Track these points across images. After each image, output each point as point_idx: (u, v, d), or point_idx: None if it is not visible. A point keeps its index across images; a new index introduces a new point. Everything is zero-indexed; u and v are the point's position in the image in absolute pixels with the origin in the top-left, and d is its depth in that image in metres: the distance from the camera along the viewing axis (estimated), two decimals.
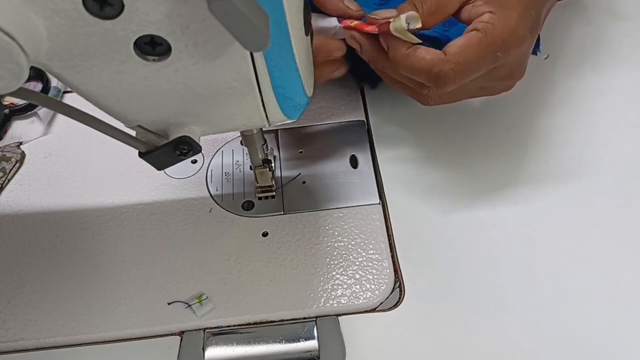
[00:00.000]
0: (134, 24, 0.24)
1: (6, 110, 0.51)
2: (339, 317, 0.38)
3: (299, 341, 0.37)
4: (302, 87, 0.32)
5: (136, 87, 0.28)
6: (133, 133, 0.31)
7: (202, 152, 0.47)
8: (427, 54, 0.36)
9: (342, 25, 0.39)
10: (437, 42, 0.38)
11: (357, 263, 0.41)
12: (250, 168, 0.44)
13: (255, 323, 0.39)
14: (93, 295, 0.40)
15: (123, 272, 0.41)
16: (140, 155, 0.32)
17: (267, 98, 0.31)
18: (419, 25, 0.36)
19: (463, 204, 0.44)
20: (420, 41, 0.37)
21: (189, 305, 0.39)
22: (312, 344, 0.37)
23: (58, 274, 0.41)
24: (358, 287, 0.40)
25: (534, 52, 0.44)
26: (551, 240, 0.41)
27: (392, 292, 0.40)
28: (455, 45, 0.36)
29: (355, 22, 0.39)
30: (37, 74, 0.52)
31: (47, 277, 0.41)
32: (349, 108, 0.51)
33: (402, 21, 0.35)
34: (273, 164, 0.44)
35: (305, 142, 0.48)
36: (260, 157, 0.41)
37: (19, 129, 0.51)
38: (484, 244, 0.41)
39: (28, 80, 0.52)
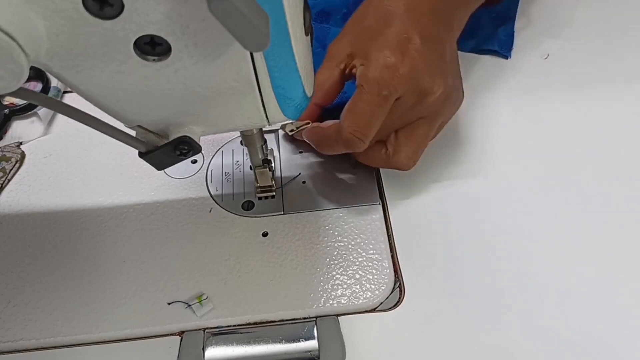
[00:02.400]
0: (134, 24, 0.24)
1: (6, 110, 0.51)
2: (339, 317, 0.38)
3: (299, 341, 0.37)
4: (302, 87, 0.32)
5: (136, 87, 0.28)
6: (133, 133, 0.31)
7: (202, 152, 0.48)
8: (328, 130, 0.40)
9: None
10: (342, 106, 0.40)
11: (357, 263, 0.41)
12: (250, 168, 0.44)
13: (255, 323, 0.39)
14: (93, 295, 0.40)
15: (123, 272, 0.41)
16: (140, 155, 0.32)
17: (267, 98, 0.31)
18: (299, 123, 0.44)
19: (463, 204, 0.44)
20: (309, 121, 0.44)
21: (189, 305, 0.39)
22: (312, 344, 0.37)
23: (58, 274, 0.41)
24: (358, 287, 0.40)
25: (504, 56, 0.48)
26: (551, 240, 0.41)
27: (392, 292, 0.40)
28: (345, 110, 0.38)
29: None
30: (37, 74, 0.52)
31: (47, 277, 0.41)
32: None
33: (291, 126, 0.45)
34: (273, 164, 0.44)
35: (305, 142, 0.48)
36: (260, 157, 0.41)
37: (19, 129, 0.51)
38: (484, 244, 0.41)
39: (28, 80, 0.52)
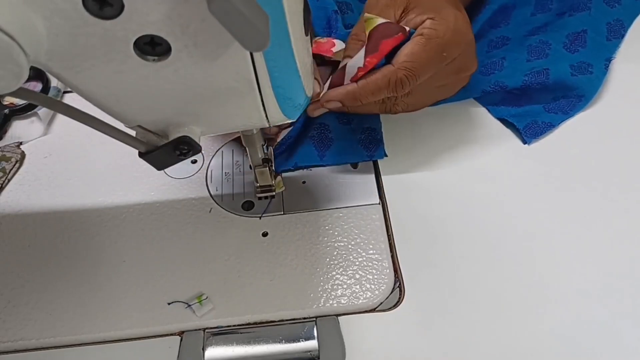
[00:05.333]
0: (134, 24, 0.24)
1: (6, 110, 0.51)
2: (339, 317, 0.38)
3: (299, 341, 0.37)
4: (302, 87, 0.32)
5: (136, 87, 0.28)
6: (133, 133, 0.31)
7: (202, 152, 0.48)
8: (378, 73, 0.41)
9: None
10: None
11: (357, 263, 0.41)
12: (250, 167, 0.44)
13: (255, 323, 0.39)
14: (93, 295, 0.40)
15: (123, 272, 0.41)
16: (140, 155, 0.32)
17: (267, 98, 0.31)
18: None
19: (463, 203, 0.44)
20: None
21: (189, 305, 0.39)
22: (312, 344, 0.37)
23: (58, 273, 0.41)
24: (358, 287, 0.40)
25: (523, 140, 0.47)
26: (551, 239, 0.41)
27: (392, 292, 0.40)
28: (402, 54, 0.40)
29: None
30: (37, 74, 0.52)
31: (47, 277, 0.41)
32: None
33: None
34: (273, 164, 0.44)
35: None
36: (260, 156, 0.41)
37: (19, 129, 0.51)
38: (483, 244, 0.41)
39: (28, 80, 0.52)
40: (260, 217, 0.44)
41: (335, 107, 0.44)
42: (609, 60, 0.50)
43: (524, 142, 0.47)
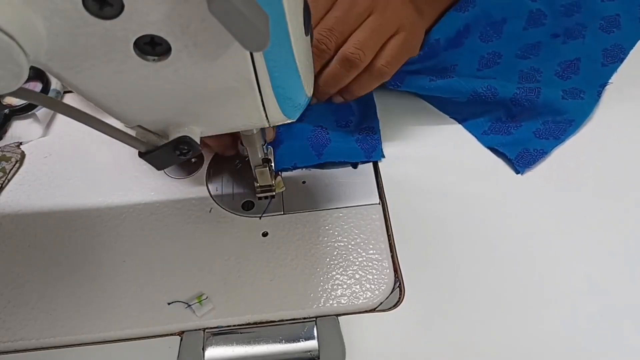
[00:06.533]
0: (134, 24, 0.24)
1: (6, 110, 0.51)
2: (339, 317, 0.38)
3: (299, 341, 0.37)
4: (302, 87, 0.32)
5: (136, 87, 0.28)
6: (133, 133, 0.31)
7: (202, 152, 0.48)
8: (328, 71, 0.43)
9: None
10: None
11: (357, 263, 0.41)
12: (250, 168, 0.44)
13: (255, 323, 0.39)
14: (93, 295, 0.40)
15: (123, 272, 0.41)
16: (140, 155, 0.32)
17: (267, 98, 0.31)
18: None
19: (463, 204, 0.44)
20: None
21: (189, 305, 0.39)
22: (312, 344, 0.37)
23: (58, 274, 0.41)
24: (358, 287, 0.39)
25: (516, 170, 0.45)
26: (551, 240, 0.41)
27: (392, 292, 0.40)
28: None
29: None
30: (37, 74, 0.52)
31: (47, 277, 0.41)
32: None
33: None
34: (273, 164, 0.44)
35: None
36: (260, 156, 0.41)
37: (19, 129, 0.51)
38: (483, 244, 0.41)
39: (28, 80, 0.52)
40: (260, 217, 0.44)
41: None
42: (602, 86, 0.49)
43: (517, 172, 0.45)
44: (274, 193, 0.45)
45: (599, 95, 0.48)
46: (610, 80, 0.50)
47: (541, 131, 0.47)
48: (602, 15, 0.53)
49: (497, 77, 0.50)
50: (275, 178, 0.44)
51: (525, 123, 0.47)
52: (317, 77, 0.44)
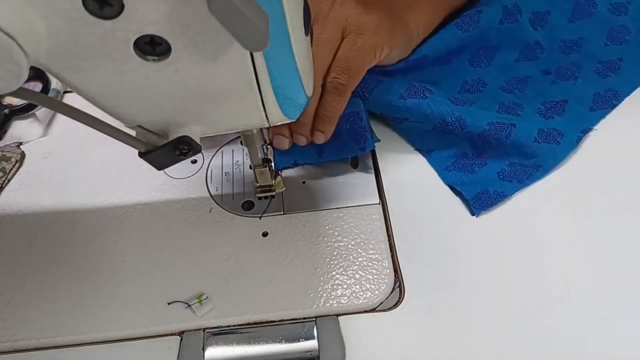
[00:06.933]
0: (134, 24, 0.24)
1: (6, 110, 0.51)
2: (339, 317, 0.38)
3: (299, 341, 0.37)
4: (302, 87, 0.32)
5: (136, 87, 0.28)
6: (133, 133, 0.31)
7: (202, 152, 0.48)
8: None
9: None
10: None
11: (357, 263, 0.41)
12: (250, 167, 0.44)
13: (255, 323, 0.39)
14: (93, 295, 0.40)
15: (123, 272, 0.41)
16: (140, 155, 0.32)
17: (267, 98, 0.31)
18: None
19: (463, 203, 0.44)
20: None
21: (189, 305, 0.39)
22: (312, 344, 0.37)
23: (58, 274, 0.41)
24: (358, 287, 0.39)
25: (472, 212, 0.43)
26: (551, 240, 0.41)
27: (392, 292, 0.40)
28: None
29: None
30: (37, 74, 0.52)
31: (47, 277, 0.41)
32: None
33: None
34: (273, 164, 0.44)
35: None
36: (260, 156, 0.41)
37: (19, 129, 0.51)
38: (484, 244, 0.41)
39: (28, 80, 0.52)
40: (260, 217, 0.44)
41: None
42: (584, 131, 0.46)
43: (472, 214, 0.43)
44: (274, 193, 0.45)
45: (577, 141, 0.46)
46: (595, 127, 0.47)
47: (506, 173, 0.45)
48: (601, 59, 0.51)
49: (477, 102, 0.47)
50: (275, 178, 0.44)
51: (490, 162, 0.45)
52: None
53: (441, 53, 0.49)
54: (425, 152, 0.47)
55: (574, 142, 0.46)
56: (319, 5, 0.43)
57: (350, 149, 0.45)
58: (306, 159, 0.45)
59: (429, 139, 0.47)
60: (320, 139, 0.44)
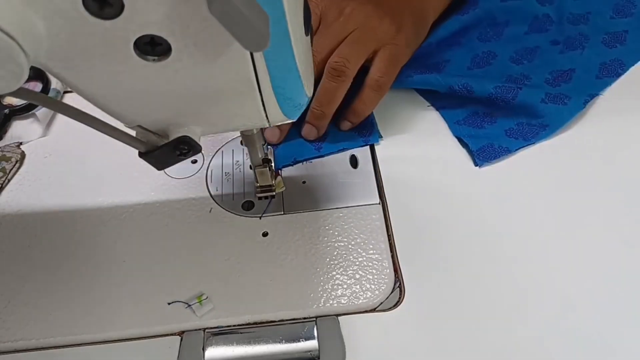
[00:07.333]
0: (134, 24, 0.24)
1: (6, 110, 0.51)
2: (339, 317, 0.38)
3: (299, 341, 0.37)
4: (302, 87, 0.32)
5: (136, 87, 0.28)
6: (133, 133, 0.31)
7: (202, 152, 0.48)
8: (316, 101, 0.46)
9: None
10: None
11: (357, 263, 0.41)
12: (250, 167, 0.44)
13: (255, 323, 0.39)
14: (93, 295, 0.40)
15: (123, 272, 0.41)
16: (140, 155, 0.32)
17: (267, 98, 0.31)
18: None
19: (463, 204, 0.44)
20: None
21: (189, 305, 0.39)
22: (312, 344, 0.37)
23: (58, 274, 0.41)
24: (358, 287, 0.39)
25: (475, 163, 0.45)
26: (552, 240, 0.41)
27: (392, 292, 0.40)
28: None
29: None
30: (37, 74, 0.52)
31: (47, 277, 0.41)
32: None
33: None
34: (273, 164, 0.44)
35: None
36: (260, 156, 0.41)
37: (19, 129, 0.51)
38: (484, 244, 0.41)
39: (28, 80, 0.52)
40: (260, 217, 0.44)
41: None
42: (591, 95, 0.47)
43: (475, 164, 0.45)
44: (274, 193, 0.45)
45: (584, 103, 0.47)
46: (601, 93, 0.48)
47: (513, 131, 0.47)
48: (607, 30, 0.52)
49: (485, 77, 0.50)
50: (275, 178, 0.44)
51: (500, 120, 0.48)
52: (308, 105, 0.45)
53: (445, 35, 0.51)
54: (438, 107, 0.49)
55: (581, 104, 0.47)
56: (339, 4, 0.46)
57: (354, 142, 0.46)
58: (305, 155, 0.45)
59: (441, 98, 0.49)
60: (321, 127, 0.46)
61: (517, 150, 0.46)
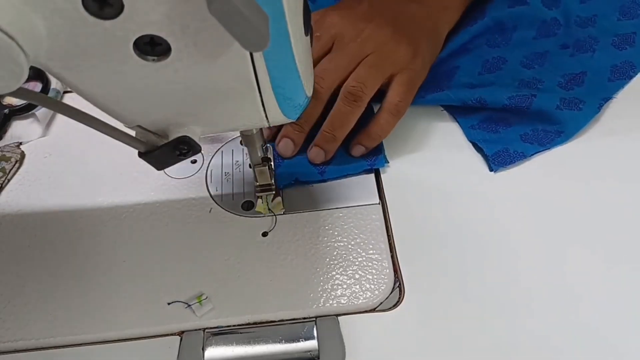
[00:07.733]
0: (134, 24, 0.24)
1: (6, 110, 0.51)
2: (339, 317, 0.38)
3: (298, 341, 0.37)
4: (302, 87, 0.32)
5: (136, 87, 0.28)
6: (133, 133, 0.31)
7: (202, 152, 0.48)
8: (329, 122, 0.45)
9: None
10: None
11: (357, 263, 0.41)
12: (250, 167, 0.44)
13: (255, 323, 0.39)
14: (93, 295, 0.40)
15: (123, 272, 0.41)
16: (140, 155, 0.32)
17: (267, 98, 0.31)
18: None
19: (463, 204, 0.44)
20: None
21: (189, 305, 0.39)
22: (312, 344, 0.37)
23: (58, 274, 0.41)
24: (358, 287, 0.40)
25: (490, 168, 0.45)
26: (552, 240, 0.41)
27: (392, 292, 0.40)
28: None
29: None
30: (37, 74, 0.52)
31: (47, 277, 0.41)
32: None
33: None
34: (272, 163, 0.44)
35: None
36: (259, 155, 0.41)
37: (19, 129, 0.51)
38: (484, 244, 0.41)
39: (28, 80, 0.52)
40: (260, 217, 0.44)
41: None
42: (605, 99, 0.47)
43: (490, 170, 0.45)
44: (274, 192, 0.45)
45: (599, 107, 0.47)
46: (614, 95, 0.48)
47: (529, 136, 0.46)
48: (616, 32, 0.52)
49: (496, 82, 0.49)
50: (274, 198, 0.44)
51: (515, 125, 0.47)
52: (321, 124, 0.45)
53: (455, 48, 0.51)
54: (452, 112, 0.49)
55: (596, 109, 0.47)
56: (356, 26, 0.46)
57: (359, 166, 0.46)
58: (308, 177, 0.45)
59: (455, 107, 0.49)
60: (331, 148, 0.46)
61: (532, 155, 0.46)
